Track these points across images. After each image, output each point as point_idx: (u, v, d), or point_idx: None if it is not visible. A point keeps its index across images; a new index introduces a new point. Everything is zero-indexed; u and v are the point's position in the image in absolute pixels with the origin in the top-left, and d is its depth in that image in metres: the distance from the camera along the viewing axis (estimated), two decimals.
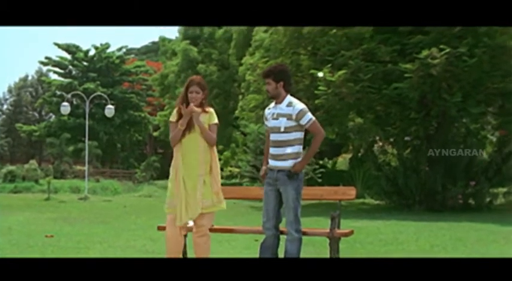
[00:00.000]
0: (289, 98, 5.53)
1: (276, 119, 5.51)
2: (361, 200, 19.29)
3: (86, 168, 25.91)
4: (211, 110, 5.62)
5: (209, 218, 5.52)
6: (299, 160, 5.47)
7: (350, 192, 6.28)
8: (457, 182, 15.55)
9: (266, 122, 5.69)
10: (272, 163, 5.57)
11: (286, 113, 5.45)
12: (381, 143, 20.65)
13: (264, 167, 5.72)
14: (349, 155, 30.11)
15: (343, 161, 33.08)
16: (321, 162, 29.14)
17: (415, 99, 15.05)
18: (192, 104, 5.47)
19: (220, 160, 29.47)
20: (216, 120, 5.58)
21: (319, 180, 19.79)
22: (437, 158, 16.02)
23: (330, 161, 33.91)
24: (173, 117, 5.59)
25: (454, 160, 15.93)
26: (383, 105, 16.43)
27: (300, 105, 5.46)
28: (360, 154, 25.17)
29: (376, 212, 15.38)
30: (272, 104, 5.65)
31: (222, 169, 37.09)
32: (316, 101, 15.46)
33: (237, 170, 34.36)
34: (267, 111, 5.71)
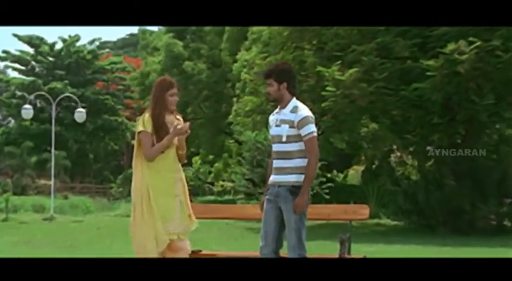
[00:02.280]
0: (295, 102, 5.54)
1: (279, 126, 5.52)
2: (375, 221, 19.27)
3: (51, 182, 25.85)
4: (181, 119, 5.67)
5: (187, 241, 5.54)
6: (303, 177, 5.46)
7: (362, 211, 6.29)
8: (489, 199, 15.56)
9: (270, 130, 5.72)
10: (273, 177, 5.57)
11: (289, 120, 5.45)
12: (398, 153, 20.70)
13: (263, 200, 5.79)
14: (361, 167, 30.10)
15: (354, 174, 33.03)
16: (328, 175, 29.16)
17: (439, 102, 15.10)
18: (188, 123, 5.52)
19: (210, 172, 29.46)
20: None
21: (327, 196, 19.78)
22: (465, 170, 16.04)
23: (339, 174, 33.92)
24: (147, 127, 5.50)
25: (484, 173, 15.94)
26: (401, 109, 16.47)
27: (304, 111, 5.47)
28: (374, 166, 25.19)
29: (393, 235, 15.36)
30: (277, 109, 5.66)
31: (212, 183, 36.69)
32: (323, 104, 15.48)
33: (230, 184, 34.33)
34: (270, 117, 5.72)
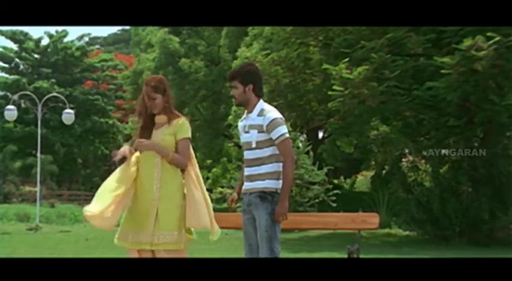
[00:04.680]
0: (262, 104, 5.56)
1: (247, 132, 5.55)
2: (386, 231, 19.27)
3: (37, 189, 25.85)
4: (180, 121, 5.51)
5: (164, 256, 5.32)
6: (280, 181, 5.44)
7: (372, 220, 6.28)
8: (509, 208, 15.54)
9: (240, 138, 5.75)
10: (245, 185, 5.62)
11: (257, 124, 5.48)
12: (410, 158, 20.67)
13: (233, 194, 5.81)
14: (370, 173, 30.14)
15: (363, 180, 33.09)
16: (335, 181, 29.17)
17: (455, 102, 15.08)
18: (138, 140, 5.44)
19: (208, 178, 29.25)
20: (186, 135, 5.47)
21: (334, 204, 19.80)
22: (483, 177, 16.02)
23: (347, 180, 33.92)
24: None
25: (504, 180, 15.92)
26: (414, 110, 16.46)
27: (273, 114, 5.48)
28: (384, 172, 25.18)
29: (405, 246, 15.35)
30: (244, 115, 5.68)
31: (210, 191, 36.28)
32: (330, 105, 15.47)
33: (229, 191, 34.32)
34: (240, 124, 5.77)
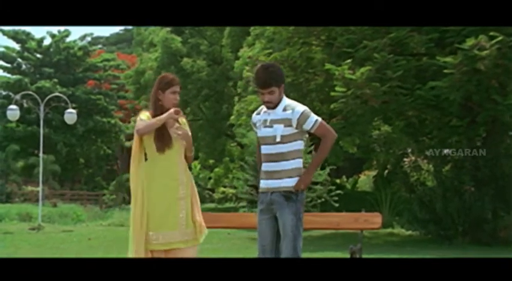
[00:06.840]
0: (285, 100, 5.56)
1: (270, 126, 5.50)
2: (388, 230, 19.25)
3: (39, 189, 25.87)
4: (184, 120, 5.71)
5: (192, 253, 5.51)
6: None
7: (374, 219, 6.28)
8: None
9: (256, 130, 5.70)
10: (265, 183, 5.53)
11: (284, 119, 5.46)
12: (413, 158, 20.67)
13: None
14: (373, 173, 30.10)
15: (365, 180, 33.05)
16: (338, 181, 29.17)
17: (457, 102, 15.07)
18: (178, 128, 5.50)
19: (210, 178, 29.32)
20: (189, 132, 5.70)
21: (336, 204, 19.80)
22: (486, 176, 16.00)
23: (350, 180, 33.90)
24: (146, 117, 5.63)
25: (507, 180, 15.91)
26: (416, 110, 16.44)
27: (300, 107, 5.50)
28: (386, 171, 25.17)
29: (408, 246, 15.34)
30: (263, 108, 5.65)
31: (213, 190, 36.51)
32: (332, 105, 15.45)
33: (231, 191, 34.35)
34: (255, 117, 5.70)
